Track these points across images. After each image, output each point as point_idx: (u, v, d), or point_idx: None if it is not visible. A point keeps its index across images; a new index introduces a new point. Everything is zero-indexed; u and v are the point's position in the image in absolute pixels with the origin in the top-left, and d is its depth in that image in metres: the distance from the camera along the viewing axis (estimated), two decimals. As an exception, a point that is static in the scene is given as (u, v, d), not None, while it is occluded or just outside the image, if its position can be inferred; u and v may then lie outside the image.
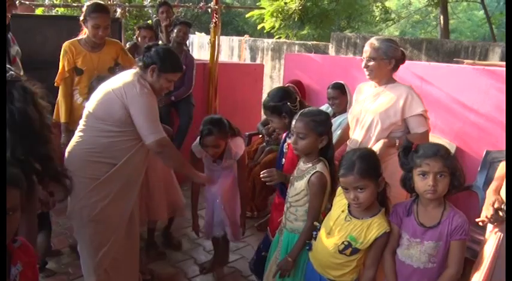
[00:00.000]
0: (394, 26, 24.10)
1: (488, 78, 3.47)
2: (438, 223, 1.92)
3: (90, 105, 2.45)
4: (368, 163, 1.98)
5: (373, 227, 2.00)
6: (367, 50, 2.73)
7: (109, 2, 5.36)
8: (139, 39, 4.73)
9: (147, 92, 2.40)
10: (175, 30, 4.67)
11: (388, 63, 2.69)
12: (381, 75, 2.73)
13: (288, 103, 2.58)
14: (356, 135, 2.81)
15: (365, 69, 2.74)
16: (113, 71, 3.30)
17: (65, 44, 3.41)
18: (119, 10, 5.23)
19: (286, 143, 2.65)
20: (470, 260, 2.73)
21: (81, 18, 3.36)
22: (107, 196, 2.42)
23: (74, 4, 5.62)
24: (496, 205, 2.09)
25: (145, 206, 3.24)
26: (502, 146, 3.29)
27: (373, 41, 2.75)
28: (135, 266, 2.74)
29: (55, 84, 3.43)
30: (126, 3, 6.22)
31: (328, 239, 2.10)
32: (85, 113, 2.48)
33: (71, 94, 3.48)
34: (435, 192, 1.87)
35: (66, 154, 2.47)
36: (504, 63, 4.64)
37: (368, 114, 2.73)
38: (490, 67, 3.65)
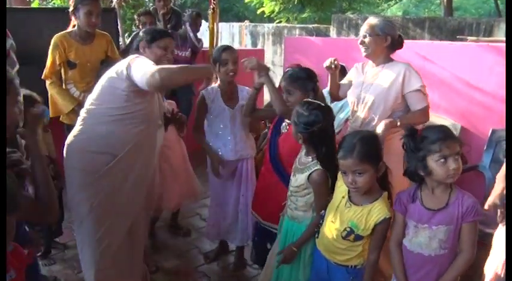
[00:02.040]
0: (397, 6, 23.79)
1: (493, 54, 3.40)
2: (446, 205, 1.86)
3: (92, 93, 2.41)
4: (369, 147, 1.92)
5: (373, 213, 1.95)
6: (363, 27, 2.74)
7: (105, -8, 5.30)
8: (140, 26, 4.71)
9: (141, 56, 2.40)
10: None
11: (384, 39, 2.67)
12: (377, 52, 2.71)
13: (316, 81, 2.54)
14: (356, 117, 2.78)
15: (361, 46, 2.72)
16: (105, 63, 3.26)
17: (56, 37, 3.35)
18: (114, 0, 5.15)
19: (285, 123, 2.61)
20: (480, 242, 2.70)
21: (71, 8, 3.29)
22: (108, 189, 2.37)
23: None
24: (505, 192, 2.03)
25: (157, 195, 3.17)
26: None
27: (370, 18, 2.77)
28: (138, 258, 2.71)
29: (43, 78, 3.37)
30: (123, -7, 6.14)
31: (331, 225, 2.07)
32: (87, 102, 2.43)
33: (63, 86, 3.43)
34: (458, 174, 1.81)
35: (65, 147, 2.43)
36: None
37: (369, 95, 2.70)
38: (494, 43, 3.57)
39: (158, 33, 2.64)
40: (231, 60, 2.85)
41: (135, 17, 5.29)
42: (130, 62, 2.29)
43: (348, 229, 1.99)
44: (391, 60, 2.76)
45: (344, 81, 3.01)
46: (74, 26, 3.37)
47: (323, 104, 2.26)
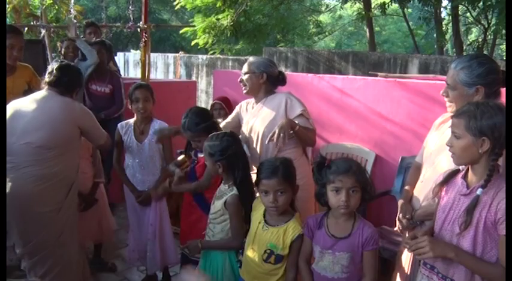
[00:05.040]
0: (330, 38, 24.96)
1: (400, 89, 3.72)
2: (349, 235, 2.03)
3: (25, 137, 2.48)
4: (289, 169, 2.13)
5: (289, 231, 2.12)
6: (244, 66, 2.92)
7: (33, 23, 5.26)
8: (62, 52, 4.70)
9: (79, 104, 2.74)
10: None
11: (259, 76, 2.85)
12: (254, 88, 2.89)
13: (213, 120, 2.77)
14: (253, 152, 2.90)
15: (241, 84, 2.92)
16: (27, 94, 3.27)
17: None
18: (43, 31, 5.13)
19: (196, 158, 2.84)
20: (389, 261, 2.92)
21: None
22: None
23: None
24: (407, 216, 2.22)
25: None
26: (415, 151, 3.51)
27: (250, 58, 2.96)
28: None
29: None
30: (53, 24, 6.10)
31: (252, 251, 2.20)
32: (21, 147, 2.50)
33: None
34: (348, 207, 1.97)
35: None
36: (415, 75, 4.99)
37: (256, 131, 2.86)
38: (402, 79, 3.91)
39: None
40: (142, 98, 3.02)
41: (58, 44, 5.22)
42: (83, 114, 2.81)
43: (268, 251, 2.14)
44: (273, 93, 2.93)
45: (228, 120, 3.16)
46: None
47: (228, 131, 2.50)
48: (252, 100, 2.99)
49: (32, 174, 2.48)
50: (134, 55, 11.68)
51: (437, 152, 2.19)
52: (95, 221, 3.35)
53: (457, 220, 1.73)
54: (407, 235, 2.31)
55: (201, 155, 2.81)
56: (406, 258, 2.31)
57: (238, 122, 3.09)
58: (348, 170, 1.97)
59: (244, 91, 2.92)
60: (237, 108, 3.14)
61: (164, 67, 10.44)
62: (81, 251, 2.97)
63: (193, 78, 9.44)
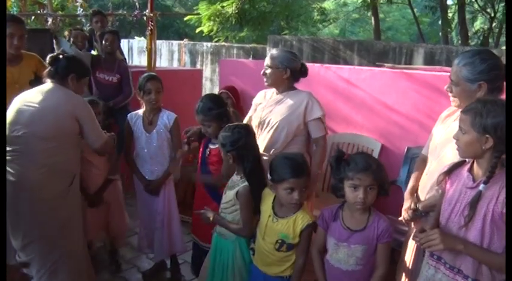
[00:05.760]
0: (334, 25, 24.79)
1: (406, 80, 3.74)
2: (364, 227, 2.09)
3: (29, 127, 2.53)
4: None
5: (298, 221, 2.19)
6: (266, 59, 2.95)
7: (39, 11, 5.28)
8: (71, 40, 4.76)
9: (83, 99, 2.68)
10: (103, 41, 4.68)
11: (283, 72, 2.89)
12: (277, 82, 2.94)
13: (226, 108, 2.81)
14: (262, 138, 2.96)
15: (263, 76, 2.95)
16: (34, 83, 3.31)
17: None
18: (50, 20, 5.14)
19: (208, 149, 2.86)
20: (397, 250, 2.98)
21: None
22: None
23: None
24: (412, 207, 2.29)
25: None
26: (421, 142, 3.56)
27: (273, 51, 2.98)
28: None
29: None
30: (58, 12, 6.11)
31: (264, 241, 2.29)
32: (25, 137, 2.55)
33: None
34: (365, 204, 2.03)
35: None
36: (422, 66, 5.00)
37: (272, 120, 2.92)
38: (408, 70, 3.93)
39: (86, 70, 2.87)
40: (154, 90, 3.06)
41: (66, 33, 5.26)
42: (82, 109, 2.71)
43: (280, 241, 2.21)
44: (294, 88, 2.98)
45: (250, 114, 3.18)
46: None
47: (242, 124, 2.56)
48: (273, 89, 3.04)
49: (35, 162, 2.55)
50: (138, 42, 11.66)
51: (442, 145, 2.23)
52: (104, 219, 3.35)
53: (463, 212, 1.78)
54: (412, 225, 2.38)
55: (212, 146, 2.86)
56: (410, 247, 2.38)
57: None
58: (367, 169, 2.01)
59: (266, 83, 2.97)
60: (254, 100, 3.18)
61: (169, 54, 10.43)
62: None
63: (198, 66, 9.45)
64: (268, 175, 2.24)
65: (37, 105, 2.56)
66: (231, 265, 2.45)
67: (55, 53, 2.78)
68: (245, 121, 3.15)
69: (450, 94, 2.19)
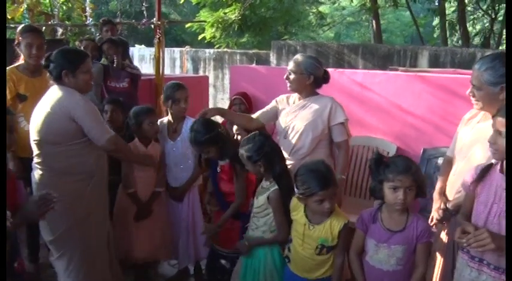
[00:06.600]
0: (328, 28, 24.86)
1: (421, 83, 3.79)
2: (404, 228, 2.15)
3: (36, 135, 2.60)
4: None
5: (334, 224, 2.25)
6: (290, 64, 2.99)
7: (50, 22, 5.30)
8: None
9: (80, 96, 2.62)
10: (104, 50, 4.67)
11: (307, 78, 2.93)
12: (300, 88, 2.99)
13: (219, 130, 2.80)
14: (287, 143, 2.99)
15: (287, 81, 2.99)
16: None
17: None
18: (60, 30, 5.17)
19: (218, 166, 2.90)
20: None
21: (16, 42, 3.36)
22: None
23: (11, 25, 5.46)
24: (442, 206, 2.34)
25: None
26: (437, 143, 3.62)
27: (298, 56, 3.02)
28: None
29: None
30: (66, 22, 6.14)
31: (303, 248, 2.33)
32: (34, 143, 2.63)
33: (16, 121, 3.43)
34: (404, 204, 2.09)
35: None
36: (435, 69, 5.06)
37: (297, 125, 2.96)
38: (421, 73, 3.98)
39: (78, 58, 2.72)
40: (183, 99, 3.09)
41: (76, 43, 5.26)
42: (75, 107, 2.61)
43: (320, 246, 2.27)
44: (316, 93, 3.03)
45: (265, 109, 3.21)
46: (23, 59, 3.41)
47: (255, 132, 2.62)
48: (296, 95, 3.08)
49: (47, 168, 2.62)
50: (139, 50, 11.67)
51: (469, 146, 2.28)
52: (149, 235, 3.22)
53: (503, 213, 1.81)
54: (445, 225, 2.42)
55: (222, 163, 2.89)
56: (441, 247, 2.41)
57: (275, 114, 3.17)
58: (407, 171, 2.07)
59: (289, 88, 3.01)
60: (273, 102, 3.21)
61: (170, 62, 10.43)
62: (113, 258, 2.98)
63: (201, 72, 9.46)
64: (295, 189, 2.27)
65: (41, 111, 2.61)
66: (262, 270, 2.48)
67: (46, 55, 2.75)
68: (255, 116, 3.17)
69: (472, 98, 2.26)
